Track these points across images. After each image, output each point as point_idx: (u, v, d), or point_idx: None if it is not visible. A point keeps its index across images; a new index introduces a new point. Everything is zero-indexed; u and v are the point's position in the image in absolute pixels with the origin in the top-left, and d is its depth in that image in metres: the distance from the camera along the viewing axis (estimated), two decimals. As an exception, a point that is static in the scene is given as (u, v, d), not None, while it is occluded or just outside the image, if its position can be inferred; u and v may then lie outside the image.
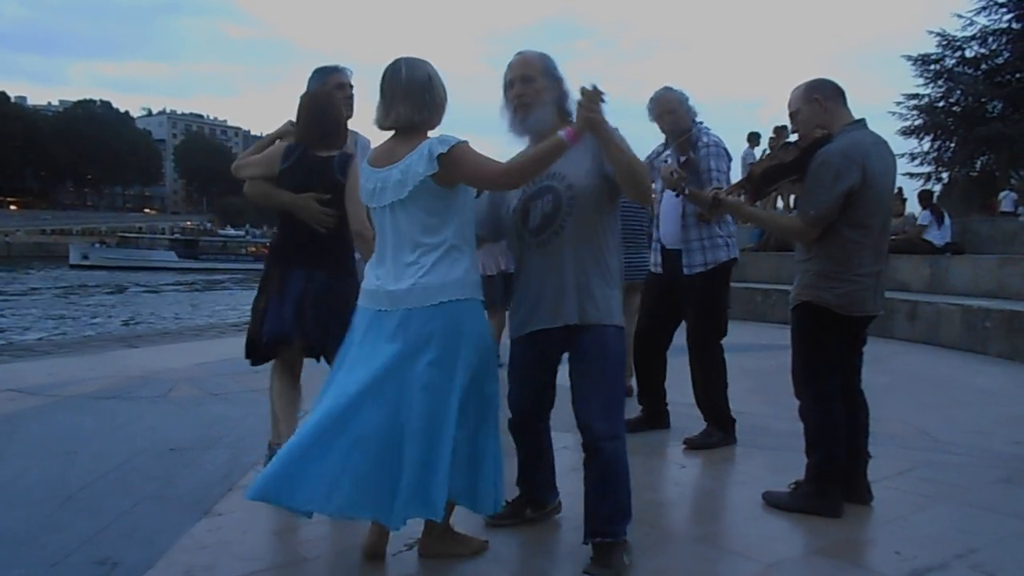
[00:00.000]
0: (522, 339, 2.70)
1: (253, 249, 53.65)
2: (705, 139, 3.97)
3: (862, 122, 3.06)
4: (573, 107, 2.48)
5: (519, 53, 2.68)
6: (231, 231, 67.49)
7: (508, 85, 2.64)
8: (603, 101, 2.35)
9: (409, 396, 2.34)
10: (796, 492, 3.14)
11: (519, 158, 2.51)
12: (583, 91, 2.36)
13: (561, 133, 2.38)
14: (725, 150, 4.02)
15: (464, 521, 2.73)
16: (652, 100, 4.06)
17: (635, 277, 4.68)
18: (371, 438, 2.30)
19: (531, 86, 2.59)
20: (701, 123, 4.04)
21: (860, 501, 3.14)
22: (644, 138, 4.32)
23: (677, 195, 3.83)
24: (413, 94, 2.44)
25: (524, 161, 2.46)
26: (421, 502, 2.33)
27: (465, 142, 2.41)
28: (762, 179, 3.20)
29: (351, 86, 3.61)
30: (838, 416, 3.08)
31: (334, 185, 3.24)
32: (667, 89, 4.04)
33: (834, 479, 3.06)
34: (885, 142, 3.07)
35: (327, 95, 3.44)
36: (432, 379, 2.34)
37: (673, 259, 4.08)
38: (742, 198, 3.32)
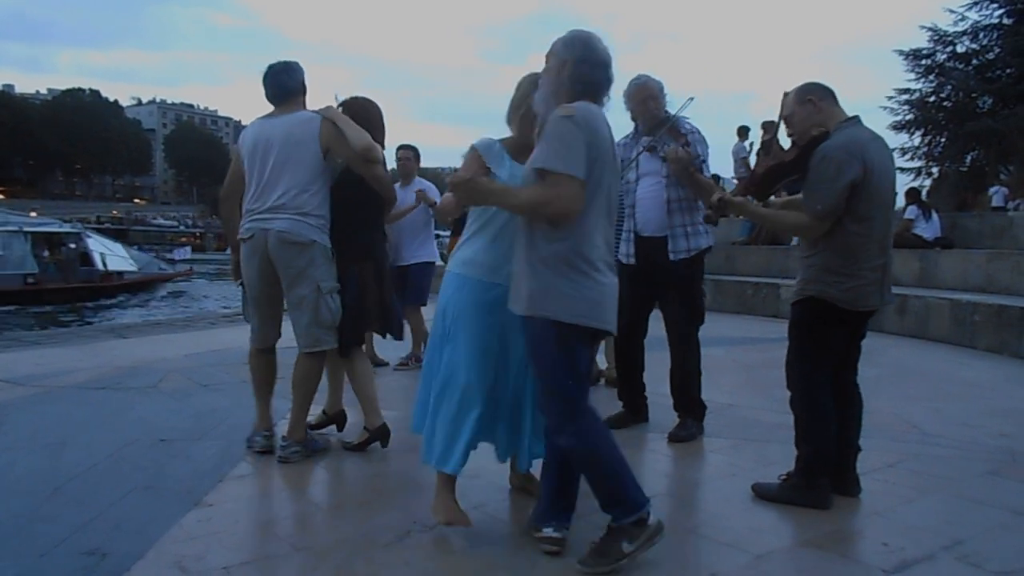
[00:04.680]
0: None
1: (184, 239, 52.88)
2: (688, 126, 3.97)
3: (856, 119, 3.08)
4: (581, 90, 2.54)
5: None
6: (161, 220, 66.60)
7: None
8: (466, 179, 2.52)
9: None
10: (785, 484, 3.16)
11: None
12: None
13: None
14: (704, 137, 4.03)
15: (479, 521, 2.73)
16: (634, 86, 3.98)
17: None
18: None
19: (544, 67, 2.61)
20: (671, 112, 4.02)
21: (848, 493, 3.16)
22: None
23: (684, 178, 3.82)
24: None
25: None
26: None
27: (470, 148, 2.81)
28: (765, 179, 3.23)
29: None
30: (828, 409, 3.10)
31: None
32: (646, 77, 4.01)
33: (823, 471, 3.09)
34: (881, 138, 3.11)
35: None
36: None
37: (651, 247, 4.06)
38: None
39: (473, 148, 2.79)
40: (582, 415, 2.51)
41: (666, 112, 3.99)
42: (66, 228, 25.92)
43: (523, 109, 2.74)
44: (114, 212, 73.11)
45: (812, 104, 3.07)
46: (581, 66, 2.50)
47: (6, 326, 16.69)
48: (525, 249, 2.51)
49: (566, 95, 2.50)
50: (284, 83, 3.65)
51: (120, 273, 25.51)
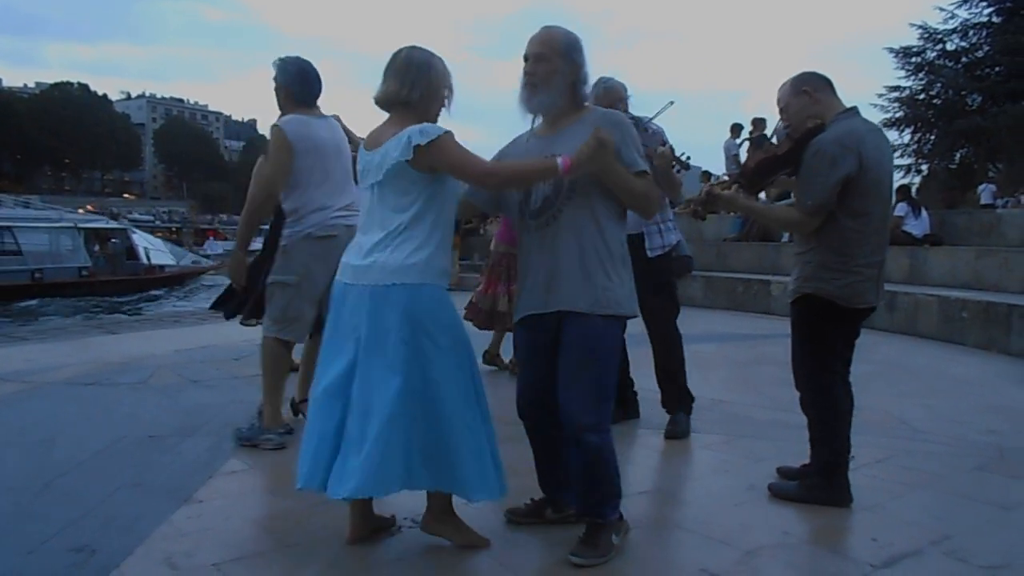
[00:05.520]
0: (520, 324, 2.67)
1: (160, 235, 53.39)
2: (654, 127, 4.01)
3: (854, 110, 3.01)
4: (589, 92, 2.60)
5: (544, 27, 2.59)
6: (136, 216, 66.60)
7: (524, 59, 2.57)
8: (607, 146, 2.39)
9: (359, 373, 2.45)
10: (805, 483, 3.13)
11: (510, 166, 2.57)
12: (597, 131, 2.38)
13: (559, 160, 2.40)
14: (666, 136, 4.07)
15: (479, 516, 2.72)
16: (602, 89, 3.94)
17: None
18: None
19: (543, 65, 2.51)
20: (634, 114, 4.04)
21: None
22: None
23: (665, 176, 3.83)
24: (407, 71, 2.49)
25: (511, 172, 2.54)
26: (349, 476, 2.39)
27: (449, 133, 2.44)
28: (756, 173, 3.15)
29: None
30: (842, 406, 3.07)
31: None
32: (613, 80, 4.01)
33: (843, 469, 3.07)
34: (879, 129, 3.05)
35: None
36: (375, 357, 2.42)
37: (632, 244, 4.06)
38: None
39: (450, 134, 2.46)
40: (610, 413, 2.62)
41: (630, 114, 4.01)
42: (113, 224, 28.33)
43: (427, 90, 2.51)
44: (88, 207, 72.19)
45: (807, 95, 3.00)
46: (586, 71, 2.58)
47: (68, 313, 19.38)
48: (588, 249, 2.49)
49: (580, 100, 2.59)
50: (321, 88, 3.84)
51: (162, 267, 27.40)
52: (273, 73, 3.77)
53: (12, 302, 21.09)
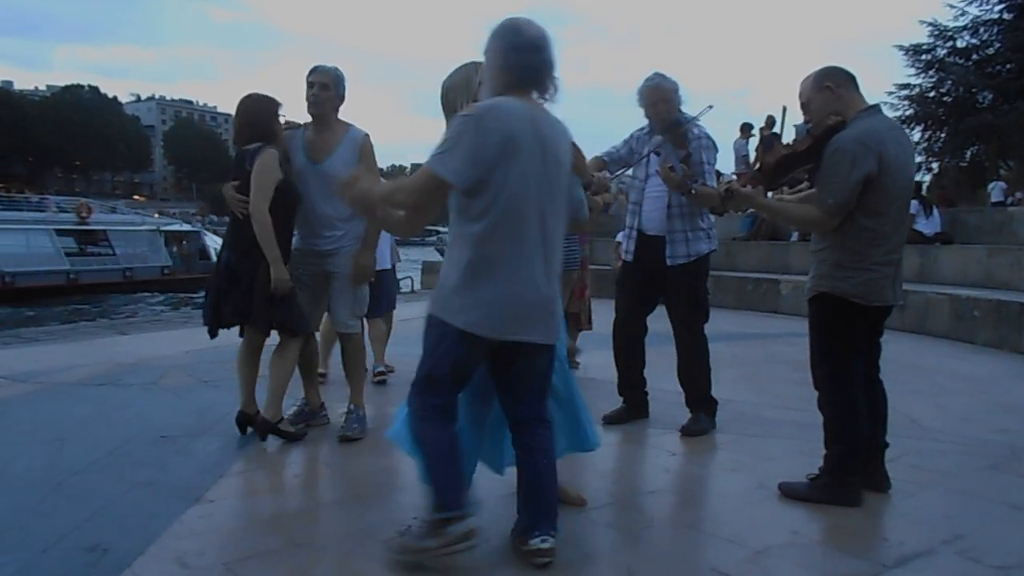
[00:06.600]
0: None
1: None
2: (696, 131, 3.95)
3: (876, 108, 2.99)
4: (521, 75, 2.44)
5: None
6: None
7: None
8: None
9: None
10: (815, 483, 3.11)
11: None
12: None
13: None
14: (713, 142, 4.02)
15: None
16: (646, 88, 3.96)
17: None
18: None
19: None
20: (686, 113, 4.00)
21: (878, 489, 3.14)
22: (624, 124, 4.35)
23: (682, 195, 3.84)
24: (444, 101, 2.76)
25: None
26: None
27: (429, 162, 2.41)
28: (775, 169, 3.14)
29: (313, 83, 3.82)
30: (860, 407, 3.05)
31: (244, 174, 3.67)
32: (661, 77, 3.96)
33: (854, 470, 3.05)
34: (901, 128, 3.04)
35: (253, 97, 3.87)
36: None
37: (653, 245, 4.05)
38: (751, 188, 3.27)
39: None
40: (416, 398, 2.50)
41: (680, 112, 3.98)
42: (186, 227, 31.17)
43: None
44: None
45: (830, 91, 2.97)
46: (510, 54, 2.39)
47: (150, 309, 21.70)
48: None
49: (500, 86, 2.40)
50: None
51: None
52: (322, 79, 3.79)
53: (107, 296, 23.81)
